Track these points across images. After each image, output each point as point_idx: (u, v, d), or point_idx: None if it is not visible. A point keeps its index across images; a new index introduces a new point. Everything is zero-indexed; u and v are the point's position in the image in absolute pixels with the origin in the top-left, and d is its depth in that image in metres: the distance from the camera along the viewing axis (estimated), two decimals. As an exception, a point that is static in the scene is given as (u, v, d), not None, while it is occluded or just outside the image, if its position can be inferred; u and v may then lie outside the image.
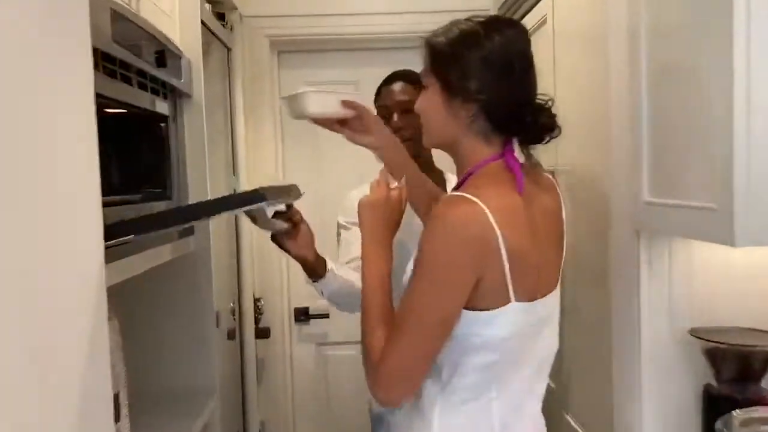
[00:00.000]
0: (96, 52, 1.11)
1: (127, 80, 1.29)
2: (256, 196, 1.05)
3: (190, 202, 1.66)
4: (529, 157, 1.17)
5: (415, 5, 2.54)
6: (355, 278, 1.58)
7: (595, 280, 1.56)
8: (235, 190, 2.28)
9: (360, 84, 2.59)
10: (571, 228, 1.71)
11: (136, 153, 1.55)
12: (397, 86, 1.74)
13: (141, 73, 1.35)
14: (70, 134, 0.91)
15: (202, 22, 1.90)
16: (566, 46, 1.73)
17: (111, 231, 0.97)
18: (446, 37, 1.15)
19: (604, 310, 1.46)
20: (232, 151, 2.29)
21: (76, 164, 0.93)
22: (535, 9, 2.00)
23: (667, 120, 1.18)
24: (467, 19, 1.16)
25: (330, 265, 1.49)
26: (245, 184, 2.35)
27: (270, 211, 1.22)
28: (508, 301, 1.06)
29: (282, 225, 1.35)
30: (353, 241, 1.63)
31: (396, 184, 1.23)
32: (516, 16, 2.19)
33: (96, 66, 1.12)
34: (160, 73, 1.42)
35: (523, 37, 1.15)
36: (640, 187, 1.23)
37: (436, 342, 1.06)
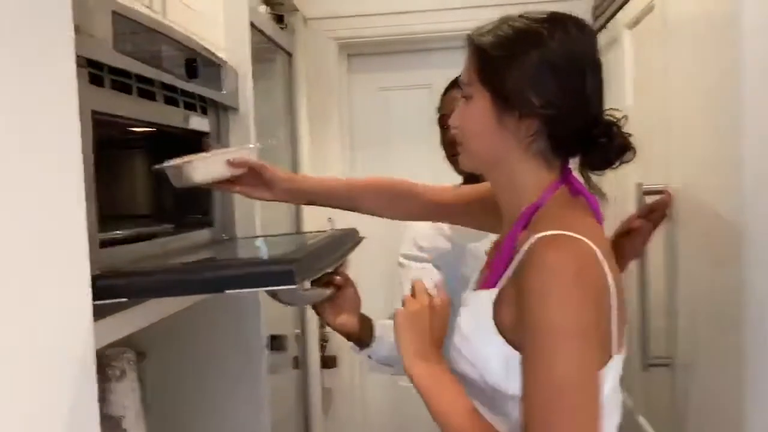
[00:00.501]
0: (99, 65, 0.93)
1: (148, 95, 1.11)
2: (283, 275, 0.76)
3: (233, 238, 1.47)
4: (588, 180, 0.96)
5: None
6: None
7: (721, 326, 1.24)
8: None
9: (434, 87, 2.35)
10: (687, 258, 1.41)
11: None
12: (459, 93, 1.48)
13: (169, 86, 1.17)
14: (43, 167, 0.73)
15: (256, 27, 1.72)
16: (681, 39, 1.41)
17: (98, 290, 0.78)
18: (497, 36, 0.93)
19: (734, 367, 1.14)
20: (293, 167, 2.10)
21: (52, 204, 0.75)
22: (638, -5, 1.68)
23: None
24: (521, 16, 0.94)
25: (378, 330, 1.25)
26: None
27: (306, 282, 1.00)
28: (610, 355, 0.87)
29: (322, 294, 1.11)
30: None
31: (435, 290, 1.00)
32: (611, 9, 1.87)
33: (97, 80, 0.94)
34: (191, 86, 1.23)
35: (592, 39, 0.97)
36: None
37: (598, 415, 0.81)
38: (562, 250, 0.82)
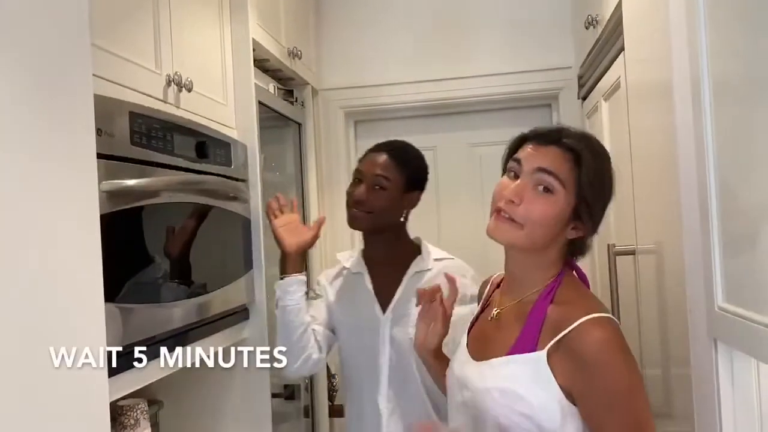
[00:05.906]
0: (119, 158, 1.12)
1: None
2: None
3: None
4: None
5: (494, 67, 2.45)
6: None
7: (679, 384, 1.33)
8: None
9: (438, 149, 2.52)
10: (659, 319, 1.48)
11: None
12: (380, 158, 1.60)
13: (181, 168, 1.35)
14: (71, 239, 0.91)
15: (266, 105, 1.91)
16: (639, 110, 1.55)
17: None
18: (594, 153, 1.11)
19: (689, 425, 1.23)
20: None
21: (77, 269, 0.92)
22: (609, 71, 1.83)
23: (738, 199, 0.95)
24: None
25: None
26: (319, 253, 2.33)
27: None
28: None
29: None
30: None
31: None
32: (592, 79, 2.03)
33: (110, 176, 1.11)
34: (199, 165, 1.41)
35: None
36: (713, 287, 1.02)
37: None
38: (610, 331, 1.03)
